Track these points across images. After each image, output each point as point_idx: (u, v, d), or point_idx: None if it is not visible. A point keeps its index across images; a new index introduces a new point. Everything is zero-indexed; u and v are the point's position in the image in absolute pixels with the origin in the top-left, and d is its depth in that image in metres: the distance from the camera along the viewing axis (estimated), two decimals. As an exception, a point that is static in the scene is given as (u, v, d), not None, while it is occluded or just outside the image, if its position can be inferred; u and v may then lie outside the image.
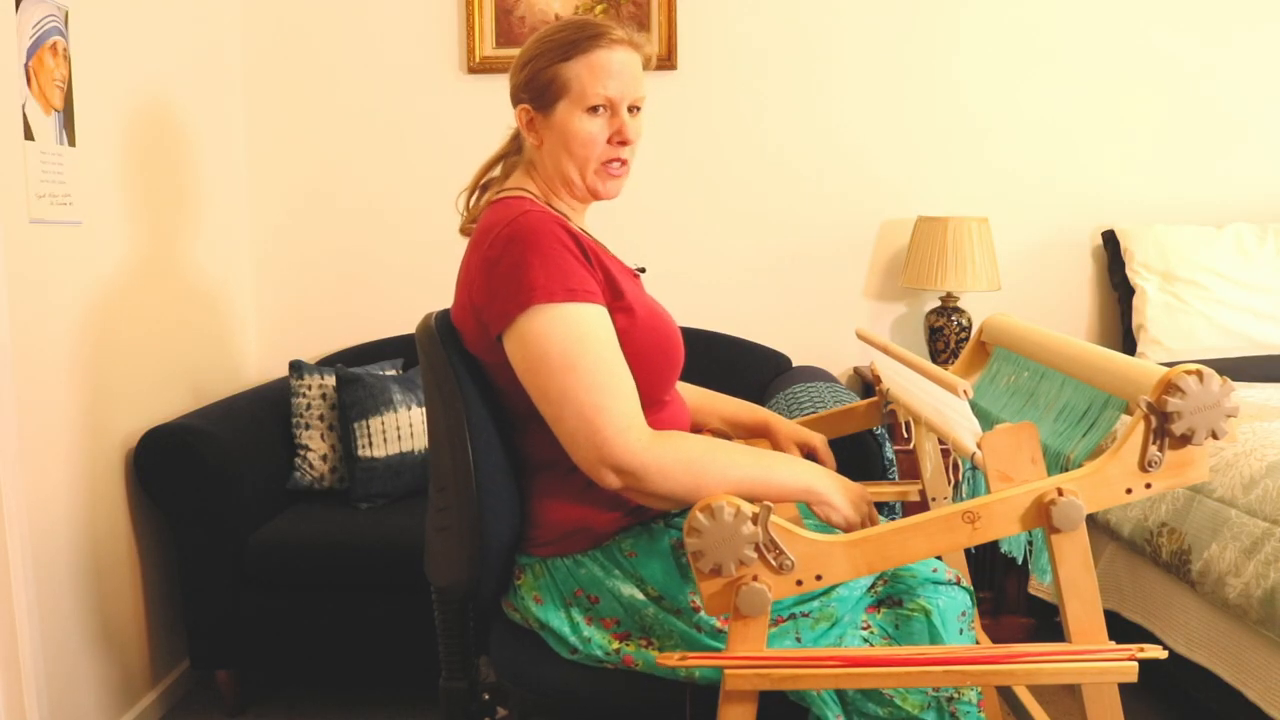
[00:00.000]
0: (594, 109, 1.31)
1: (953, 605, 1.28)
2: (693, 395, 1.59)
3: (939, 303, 2.66)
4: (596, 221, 1.46)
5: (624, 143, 1.33)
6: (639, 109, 1.36)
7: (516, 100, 1.37)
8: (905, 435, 1.58)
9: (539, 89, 1.32)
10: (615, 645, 1.24)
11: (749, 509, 1.07)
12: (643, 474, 1.15)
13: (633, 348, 1.26)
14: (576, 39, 1.30)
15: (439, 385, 1.30)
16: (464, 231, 1.40)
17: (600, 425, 1.15)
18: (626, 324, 1.26)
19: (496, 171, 1.45)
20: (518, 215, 1.24)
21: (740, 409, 1.60)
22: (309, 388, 2.34)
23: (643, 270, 1.49)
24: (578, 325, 1.18)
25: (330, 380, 2.35)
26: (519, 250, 1.21)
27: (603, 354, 1.18)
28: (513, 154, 1.43)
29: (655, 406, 1.33)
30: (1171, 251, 2.56)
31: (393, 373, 2.45)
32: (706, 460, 1.18)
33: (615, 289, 1.27)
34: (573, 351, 1.17)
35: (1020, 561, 1.39)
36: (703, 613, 1.20)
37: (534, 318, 1.18)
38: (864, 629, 1.25)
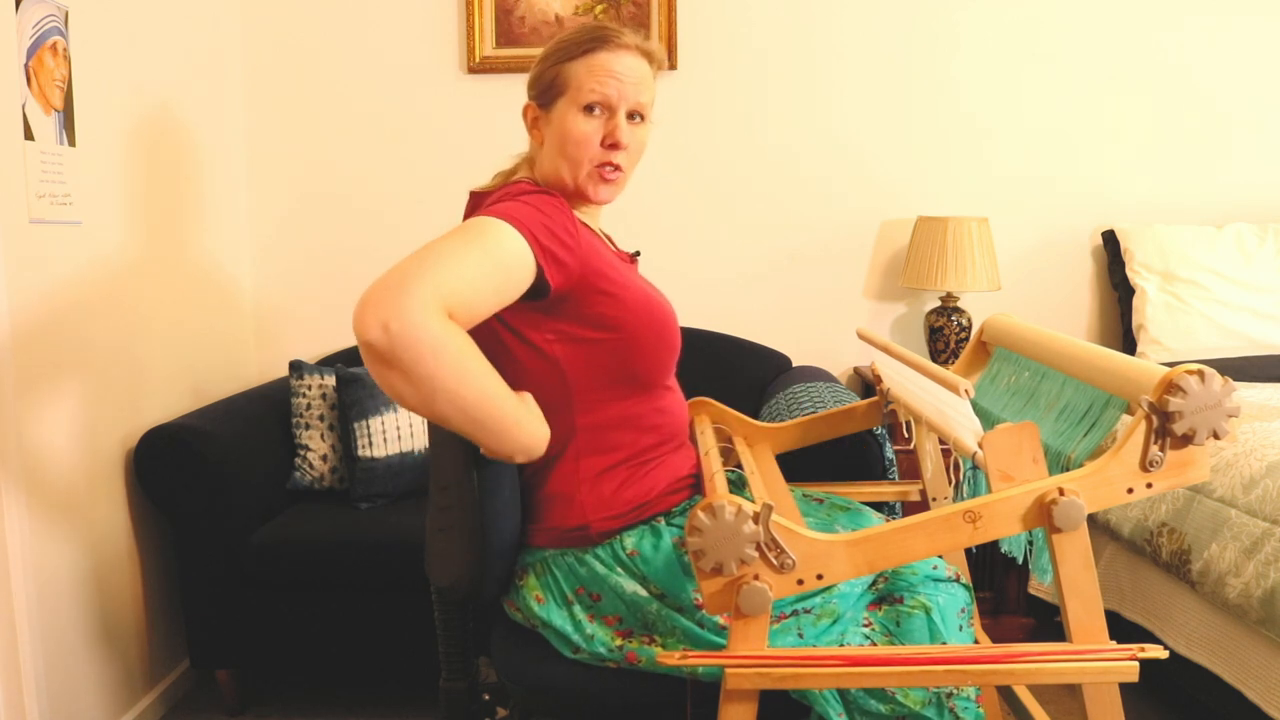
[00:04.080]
0: (589, 108, 1.30)
1: (952, 602, 1.28)
2: None
3: (939, 303, 2.66)
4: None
5: (615, 145, 1.31)
6: (642, 117, 1.34)
7: (528, 98, 1.38)
8: (906, 435, 1.58)
9: (543, 87, 1.34)
10: (618, 642, 1.24)
11: (750, 508, 1.07)
12: (414, 338, 1.02)
13: (625, 330, 1.27)
14: (583, 40, 1.32)
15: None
16: None
17: (423, 270, 1.06)
18: (615, 309, 1.26)
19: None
20: (529, 190, 1.27)
21: None
22: (309, 388, 2.34)
23: (638, 254, 1.49)
24: (495, 232, 1.16)
25: (330, 380, 2.35)
26: (508, 199, 1.24)
27: (485, 257, 1.13)
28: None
29: (656, 391, 1.34)
30: (1171, 251, 2.56)
31: (393, 373, 2.45)
32: (477, 375, 1.09)
33: (599, 273, 1.26)
34: (470, 234, 1.14)
35: (1021, 561, 1.39)
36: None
37: (475, 218, 1.19)
38: (865, 626, 1.25)
